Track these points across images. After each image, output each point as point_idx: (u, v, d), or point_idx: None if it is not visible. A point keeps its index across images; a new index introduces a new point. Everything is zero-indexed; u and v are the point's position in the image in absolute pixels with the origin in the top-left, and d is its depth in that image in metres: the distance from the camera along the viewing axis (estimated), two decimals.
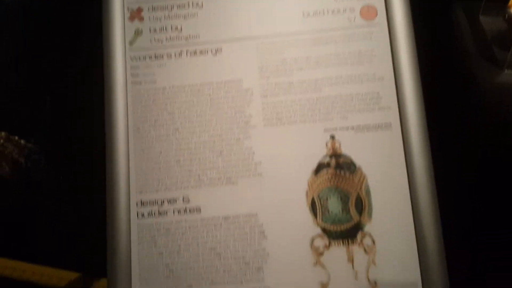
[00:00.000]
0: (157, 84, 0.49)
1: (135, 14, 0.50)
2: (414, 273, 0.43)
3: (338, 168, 0.46)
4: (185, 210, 0.46)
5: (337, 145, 0.46)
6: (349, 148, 0.46)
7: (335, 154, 0.46)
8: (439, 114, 0.49)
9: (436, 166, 0.45)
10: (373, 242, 0.44)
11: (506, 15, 0.56)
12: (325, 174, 0.46)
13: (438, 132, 0.47)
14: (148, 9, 0.50)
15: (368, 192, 0.45)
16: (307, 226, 0.45)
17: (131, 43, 0.50)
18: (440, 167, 0.45)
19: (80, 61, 0.57)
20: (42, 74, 0.57)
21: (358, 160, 0.46)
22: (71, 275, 0.50)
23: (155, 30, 0.50)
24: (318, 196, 0.45)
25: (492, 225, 0.49)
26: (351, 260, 0.44)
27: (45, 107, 0.57)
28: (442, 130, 0.49)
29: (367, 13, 0.48)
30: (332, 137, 0.46)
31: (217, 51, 0.49)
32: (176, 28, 0.50)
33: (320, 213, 0.45)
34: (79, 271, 0.51)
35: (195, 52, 0.49)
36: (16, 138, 0.56)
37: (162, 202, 0.47)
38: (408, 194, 0.44)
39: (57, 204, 0.54)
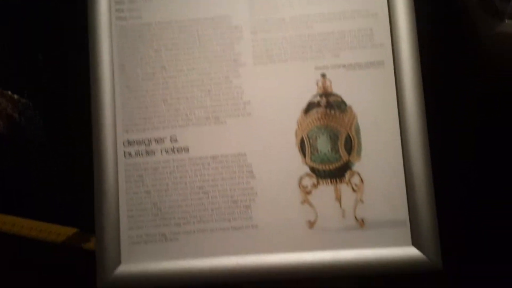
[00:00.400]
0: (142, 20, 0.47)
1: None
2: (402, 212, 0.43)
3: (328, 107, 0.45)
4: (173, 150, 0.46)
5: (328, 83, 0.45)
6: (340, 87, 0.45)
7: (326, 93, 0.45)
8: (437, 64, 0.48)
9: (433, 115, 0.44)
10: (362, 180, 0.44)
11: None
12: (315, 113, 0.45)
13: (435, 82, 0.45)
14: None
15: (358, 131, 0.44)
16: (296, 166, 0.45)
17: None
18: (437, 116, 0.45)
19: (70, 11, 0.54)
20: (33, 28, 0.55)
21: (349, 98, 0.45)
22: (69, 231, 0.50)
23: None
24: (307, 135, 0.45)
25: (485, 171, 0.49)
26: (338, 198, 0.44)
27: (37, 61, 0.55)
28: (439, 80, 0.48)
29: None
30: (323, 76, 0.45)
31: None
32: None
33: (309, 153, 0.45)
34: (76, 226, 0.51)
35: None
36: (10, 93, 0.54)
37: (150, 142, 0.46)
38: (399, 133, 0.44)
39: (55, 160, 0.53)
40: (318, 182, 0.44)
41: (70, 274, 0.50)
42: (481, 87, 0.50)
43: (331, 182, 0.44)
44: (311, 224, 0.44)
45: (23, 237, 0.50)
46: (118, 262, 0.45)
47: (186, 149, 0.46)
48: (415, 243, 0.43)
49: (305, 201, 0.44)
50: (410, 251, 0.42)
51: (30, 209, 0.52)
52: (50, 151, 0.54)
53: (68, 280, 0.50)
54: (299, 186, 0.44)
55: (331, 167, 0.44)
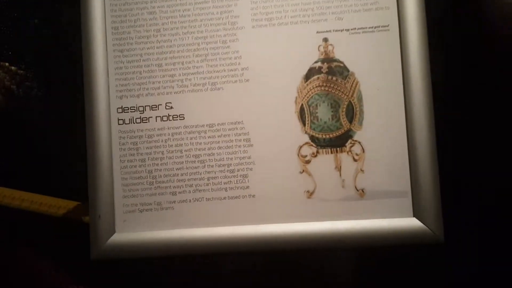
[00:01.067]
0: None
1: None
2: (404, 182, 0.42)
3: (330, 73, 0.43)
4: (168, 117, 0.44)
5: (330, 48, 0.43)
6: (343, 52, 0.43)
7: (328, 59, 0.43)
8: (444, 31, 0.46)
9: (439, 82, 0.42)
10: (363, 150, 0.42)
11: None
12: (316, 80, 0.43)
13: (442, 48, 0.43)
14: None
15: (360, 99, 0.43)
16: (295, 134, 0.43)
17: None
18: (443, 84, 0.43)
19: None
20: None
21: (351, 65, 0.43)
22: (70, 204, 0.49)
23: None
24: (308, 103, 0.43)
25: (491, 142, 0.47)
26: (338, 168, 0.43)
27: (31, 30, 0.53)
28: (447, 46, 0.46)
29: None
30: (325, 40, 0.43)
31: None
32: None
33: (309, 121, 0.43)
34: (78, 200, 0.50)
35: None
36: (7, 64, 0.53)
37: (144, 108, 0.44)
38: (403, 101, 0.42)
39: (54, 132, 0.52)
40: (317, 151, 0.43)
41: (70, 247, 0.49)
42: (490, 55, 0.48)
43: (331, 152, 0.43)
44: (309, 194, 0.43)
45: (23, 210, 0.49)
46: (112, 231, 0.44)
47: (182, 117, 0.44)
48: (417, 214, 0.41)
49: (304, 170, 0.43)
50: (411, 222, 0.41)
51: (29, 182, 0.51)
52: (49, 123, 0.52)
53: (66, 253, 0.49)
54: (298, 155, 0.43)
55: (331, 136, 0.43)
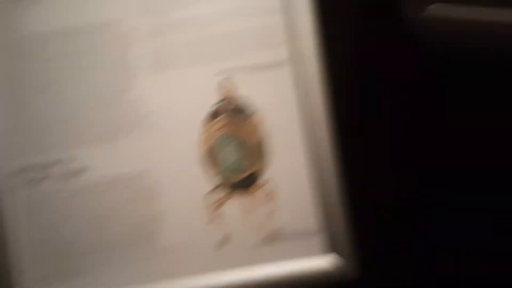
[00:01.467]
0: (21, 31, 0.42)
1: None
2: (316, 219, 0.41)
3: (233, 113, 0.42)
4: (68, 174, 0.41)
5: (231, 88, 0.42)
6: (244, 91, 0.42)
7: (229, 98, 0.42)
8: (362, 48, 0.46)
9: (345, 113, 0.42)
10: (272, 190, 0.41)
11: None
12: (219, 121, 0.42)
13: (360, 66, 0.43)
14: None
15: (265, 137, 0.41)
16: (202, 180, 0.41)
17: None
18: (349, 115, 0.42)
19: None
20: None
21: (254, 103, 0.42)
22: None
23: None
24: (213, 145, 0.41)
25: (404, 172, 0.47)
26: (250, 210, 0.41)
27: None
28: (365, 64, 0.46)
29: None
30: (225, 80, 0.42)
31: None
32: None
33: (216, 164, 0.41)
34: None
35: None
36: None
37: (42, 167, 0.42)
38: (308, 136, 0.41)
39: None
40: (227, 196, 0.41)
41: None
42: (391, 85, 0.48)
43: (241, 194, 0.41)
44: (221, 242, 0.41)
45: None
46: None
47: (83, 171, 0.41)
48: (331, 250, 0.40)
49: (214, 217, 0.41)
50: (326, 260, 0.40)
51: None
52: None
53: None
54: (207, 202, 0.41)
55: (240, 177, 0.41)
